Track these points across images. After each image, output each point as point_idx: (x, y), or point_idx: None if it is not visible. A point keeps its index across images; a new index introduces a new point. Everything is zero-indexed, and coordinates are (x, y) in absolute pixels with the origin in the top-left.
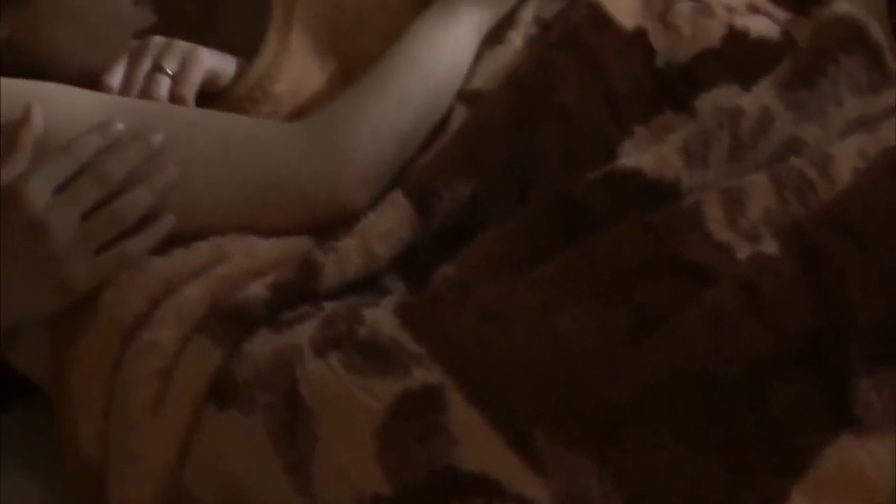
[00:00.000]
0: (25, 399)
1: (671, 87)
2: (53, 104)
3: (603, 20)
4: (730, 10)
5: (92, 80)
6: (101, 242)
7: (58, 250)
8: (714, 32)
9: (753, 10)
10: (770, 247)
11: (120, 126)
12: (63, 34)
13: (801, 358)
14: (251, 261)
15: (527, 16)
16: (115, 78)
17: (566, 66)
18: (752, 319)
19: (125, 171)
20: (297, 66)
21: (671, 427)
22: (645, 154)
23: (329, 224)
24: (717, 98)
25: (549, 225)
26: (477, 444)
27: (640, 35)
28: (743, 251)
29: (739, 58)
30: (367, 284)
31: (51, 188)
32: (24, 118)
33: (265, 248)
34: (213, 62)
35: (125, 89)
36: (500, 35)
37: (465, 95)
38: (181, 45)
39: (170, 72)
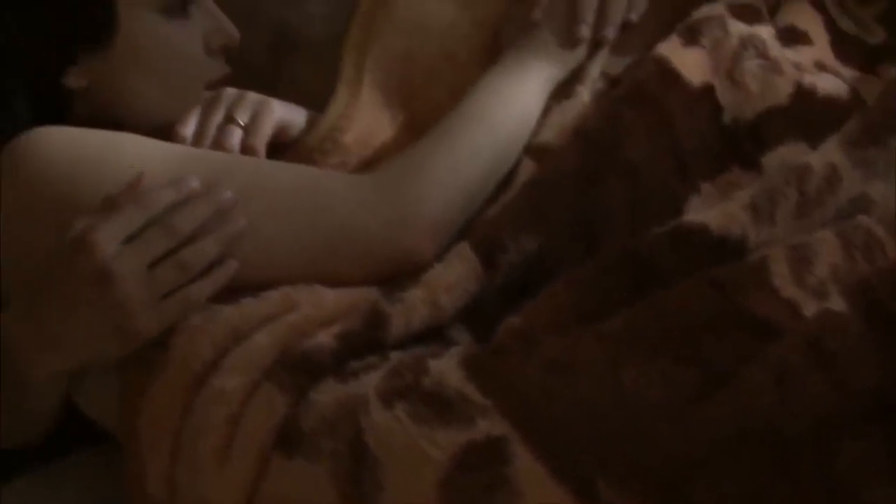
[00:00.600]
0: (92, 442)
1: (738, 143)
2: (126, 154)
3: (671, 76)
4: (798, 67)
5: (165, 131)
6: (167, 290)
7: (124, 298)
8: (782, 90)
9: (821, 68)
10: (837, 304)
11: (194, 183)
12: (138, 84)
13: (868, 415)
14: (319, 310)
15: (594, 71)
16: (188, 128)
17: (633, 122)
18: (819, 375)
19: (194, 226)
20: (366, 118)
21: (737, 482)
22: (712, 210)
23: (396, 275)
24: (785, 155)
25: (615, 279)
26: (540, 497)
27: (707, 91)
28: (809, 308)
29: (807, 116)
30: (433, 335)
31: (120, 238)
32: (132, 185)
33: (333, 297)
34: (284, 113)
35: (197, 140)
36: (567, 90)
37: (533, 149)
38: (253, 97)
39: (241, 123)
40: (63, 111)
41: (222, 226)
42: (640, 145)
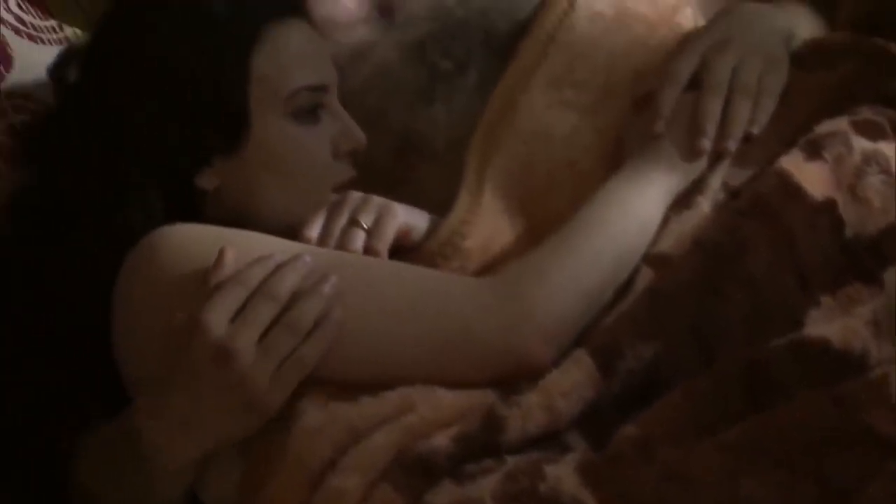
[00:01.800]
0: None
1: (859, 258)
2: (254, 253)
3: (792, 190)
4: None
5: (291, 231)
6: (282, 356)
7: (245, 373)
8: None
9: None
10: None
11: (277, 258)
12: (268, 186)
13: None
14: (436, 412)
15: (715, 182)
16: (314, 230)
17: (754, 234)
18: None
19: (290, 287)
20: (487, 224)
21: None
22: (832, 324)
23: (513, 378)
24: None
25: (733, 390)
26: None
27: (829, 206)
28: None
29: None
30: (549, 440)
31: (228, 316)
32: (217, 261)
33: (450, 399)
34: (407, 217)
35: (322, 241)
36: (688, 200)
37: (652, 258)
38: (377, 200)
39: (365, 225)
40: (194, 210)
41: (316, 285)
42: (760, 257)
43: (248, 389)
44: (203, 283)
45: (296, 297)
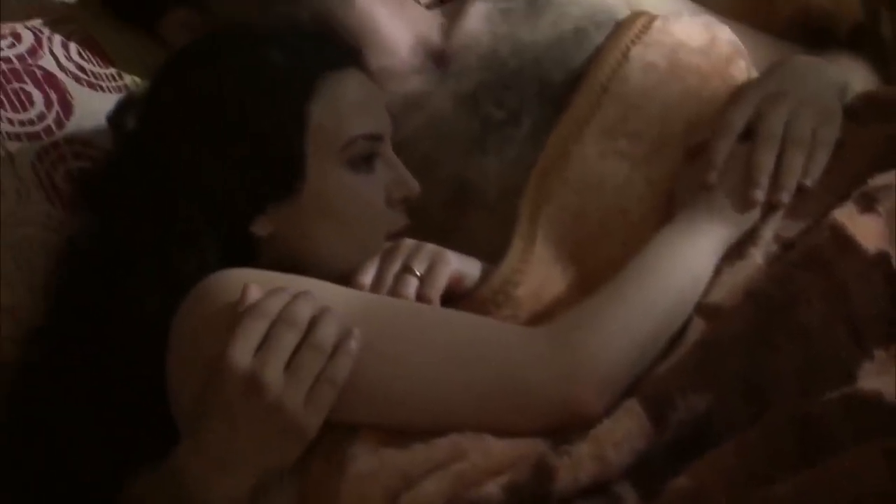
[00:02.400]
0: None
1: None
2: None
3: (846, 242)
4: None
5: (344, 277)
6: (311, 377)
7: (278, 400)
8: None
9: None
10: None
11: (291, 289)
12: (322, 232)
13: None
14: (487, 459)
15: (768, 234)
16: (367, 276)
17: (807, 286)
18: None
19: (308, 313)
20: (539, 272)
21: None
22: (885, 378)
23: (564, 427)
24: None
25: (785, 442)
26: None
27: (883, 259)
28: None
29: None
30: (599, 490)
31: (252, 348)
32: (241, 297)
33: (500, 447)
34: (459, 265)
35: (375, 287)
36: (740, 251)
37: (704, 309)
38: (430, 248)
39: (418, 272)
40: (249, 256)
41: (325, 308)
42: (812, 309)
43: (283, 415)
44: (230, 321)
45: (313, 322)
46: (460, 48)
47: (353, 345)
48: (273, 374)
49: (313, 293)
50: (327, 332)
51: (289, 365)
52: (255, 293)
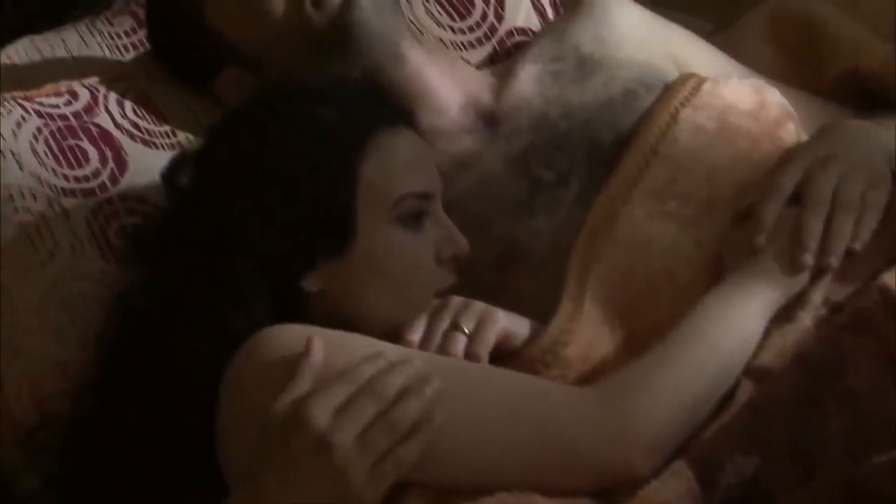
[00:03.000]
0: None
1: None
2: (355, 352)
3: (895, 305)
4: None
5: (393, 334)
6: (380, 453)
7: (344, 467)
8: None
9: None
10: None
11: (388, 357)
12: (371, 290)
13: None
14: None
15: (817, 297)
16: (416, 333)
17: (856, 350)
18: None
19: (397, 388)
20: (588, 333)
21: None
22: None
23: (611, 487)
24: None
25: None
26: None
27: None
28: None
29: None
30: None
31: (332, 410)
32: (305, 350)
33: None
34: (508, 323)
35: (424, 344)
36: (789, 314)
37: (753, 371)
38: (478, 306)
39: (467, 330)
40: (299, 312)
41: (420, 386)
42: (861, 373)
43: (344, 483)
44: (293, 372)
45: (398, 397)
46: (511, 109)
47: (429, 433)
48: (346, 439)
49: (413, 363)
50: (408, 413)
51: (363, 434)
52: (318, 347)
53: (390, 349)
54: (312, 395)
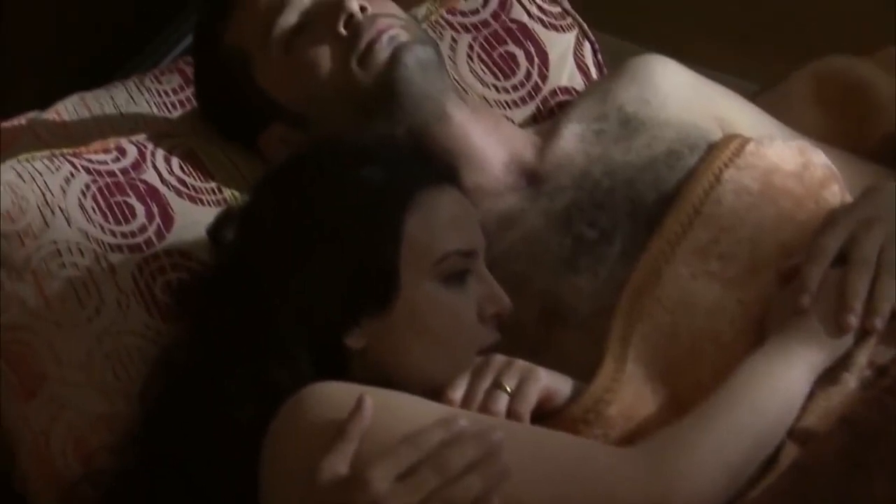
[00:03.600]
0: None
1: None
2: (398, 411)
3: None
4: None
5: (435, 392)
6: None
7: None
8: None
9: None
10: None
11: (462, 422)
12: (414, 347)
13: None
14: None
15: (861, 359)
16: (458, 392)
17: None
18: None
19: (464, 465)
20: (630, 392)
21: None
22: None
23: None
24: None
25: None
26: None
27: None
28: None
29: None
30: None
31: (394, 475)
32: (355, 409)
33: None
34: (550, 382)
35: (466, 403)
36: (833, 376)
37: (797, 433)
38: (521, 364)
39: (509, 389)
40: (341, 368)
41: (488, 464)
42: None
43: None
44: (340, 431)
45: (464, 471)
46: (554, 167)
47: None
48: None
49: (486, 436)
50: (468, 489)
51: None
52: (368, 406)
53: (432, 408)
54: (376, 457)
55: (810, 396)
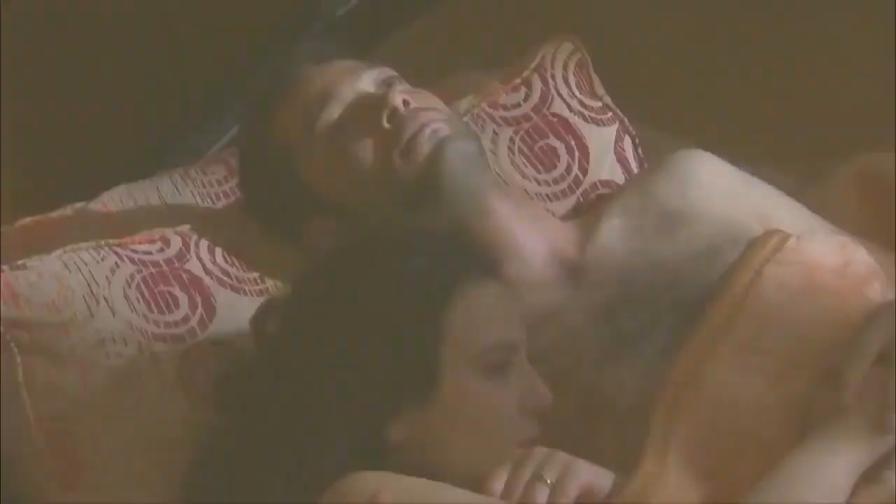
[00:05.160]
0: None
1: None
2: (439, 502)
3: None
4: None
5: (475, 483)
6: None
7: None
8: None
9: None
10: None
11: None
12: (454, 438)
13: None
14: None
15: None
16: (498, 484)
17: None
18: None
19: None
20: (671, 487)
21: None
22: None
23: None
24: None
25: None
26: None
27: None
28: None
29: None
30: None
31: None
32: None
33: None
34: (591, 476)
35: (506, 495)
36: (876, 475)
37: None
38: (561, 457)
39: (549, 481)
40: (381, 459)
41: None
42: None
43: None
44: None
45: None
46: (594, 261)
47: None
48: None
49: None
50: None
51: None
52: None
53: (473, 499)
54: None
55: (852, 495)
